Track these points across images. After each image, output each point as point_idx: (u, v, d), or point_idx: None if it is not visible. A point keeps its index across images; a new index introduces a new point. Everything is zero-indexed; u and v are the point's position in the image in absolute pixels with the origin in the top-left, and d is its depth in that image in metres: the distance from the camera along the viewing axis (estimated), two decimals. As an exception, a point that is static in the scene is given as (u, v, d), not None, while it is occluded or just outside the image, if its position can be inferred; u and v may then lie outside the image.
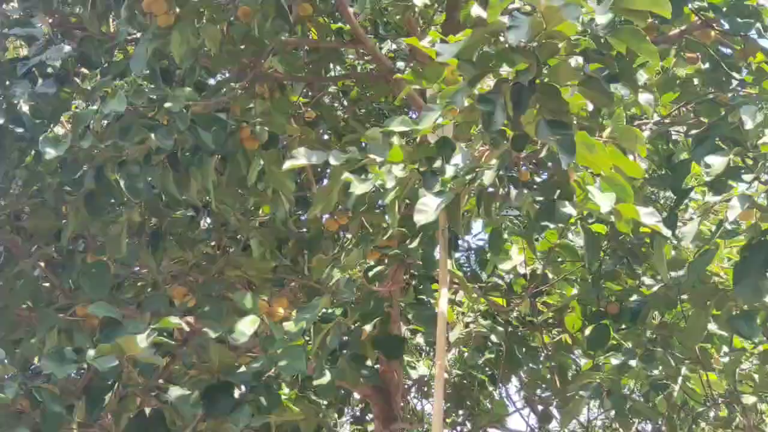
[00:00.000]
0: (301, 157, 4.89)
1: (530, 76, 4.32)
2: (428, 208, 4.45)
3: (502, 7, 4.29)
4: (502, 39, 4.38)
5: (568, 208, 4.78)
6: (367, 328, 6.35)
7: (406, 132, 4.81)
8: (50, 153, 5.74)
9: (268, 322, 5.65)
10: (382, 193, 4.77)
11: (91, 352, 5.14)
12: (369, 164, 4.77)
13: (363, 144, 7.82)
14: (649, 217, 4.59)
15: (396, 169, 4.67)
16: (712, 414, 8.03)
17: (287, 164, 4.95)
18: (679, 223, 6.25)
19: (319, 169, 9.02)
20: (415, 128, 4.71)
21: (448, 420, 10.72)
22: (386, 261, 6.23)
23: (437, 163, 4.65)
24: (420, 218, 4.43)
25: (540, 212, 4.92)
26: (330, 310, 5.96)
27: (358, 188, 4.64)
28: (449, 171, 4.54)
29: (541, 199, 4.87)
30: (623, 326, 7.18)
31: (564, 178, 4.62)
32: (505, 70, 4.42)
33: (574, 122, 4.52)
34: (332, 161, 4.81)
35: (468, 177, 4.54)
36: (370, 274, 6.28)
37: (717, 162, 5.60)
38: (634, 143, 4.71)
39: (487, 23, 4.34)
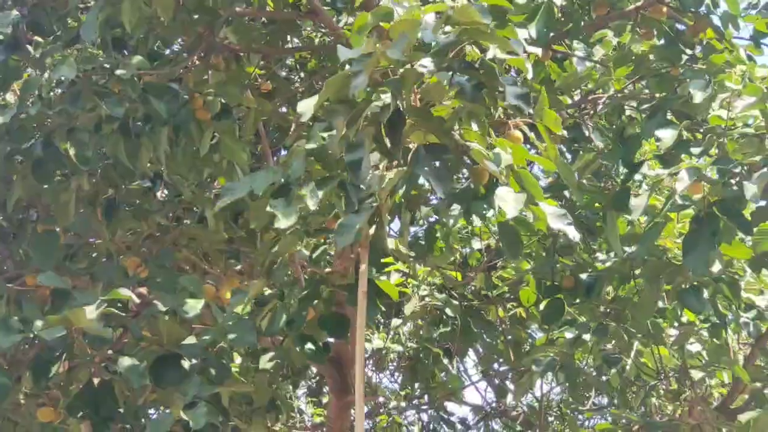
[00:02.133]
0: (228, 193, 4.87)
1: (388, 112, 4.36)
2: (347, 228, 4.47)
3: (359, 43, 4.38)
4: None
5: (480, 208, 4.77)
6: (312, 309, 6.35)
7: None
8: (-3, 119, 5.69)
9: (213, 308, 5.65)
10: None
11: (38, 323, 5.10)
12: (292, 184, 4.76)
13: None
14: (557, 220, 4.53)
15: (318, 191, 4.67)
16: (663, 388, 8.07)
17: (218, 205, 4.96)
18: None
19: (274, 140, 8.99)
20: (323, 144, 4.73)
21: (403, 393, 10.76)
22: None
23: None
24: (341, 240, 4.45)
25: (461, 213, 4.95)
26: (270, 292, 5.95)
27: (283, 222, 4.62)
28: (361, 190, 4.55)
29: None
30: (577, 300, 7.19)
31: (477, 179, 4.60)
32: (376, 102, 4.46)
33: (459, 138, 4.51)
34: (255, 191, 4.78)
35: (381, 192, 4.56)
36: (315, 255, 6.29)
37: (667, 135, 5.63)
38: (557, 125, 4.69)
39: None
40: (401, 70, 4.35)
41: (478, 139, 4.41)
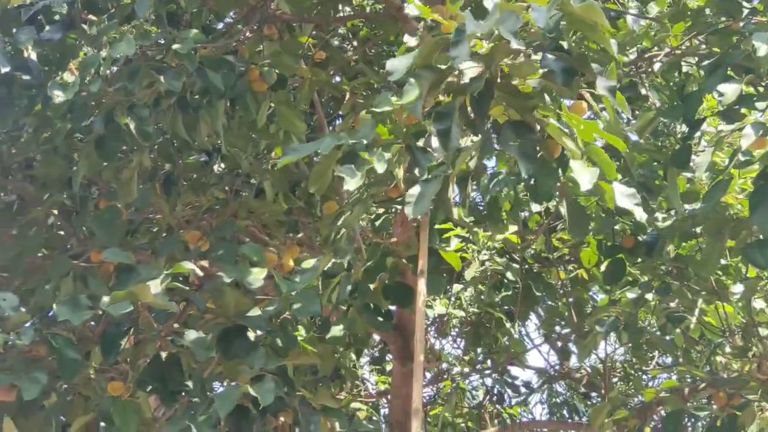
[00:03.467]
0: (291, 153, 4.85)
1: (480, 84, 4.29)
2: (419, 199, 4.45)
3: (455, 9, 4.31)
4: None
5: (549, 184, 4.73)
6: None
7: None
8: (59, 96, 5.73)
9: (276, 276, 5.65)
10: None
11: (105, 299, 5.14)
12: (359, 150, 4.73)
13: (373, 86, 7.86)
14: (626, 200, 4.52)
15: (386, 153, 4.64)
16: (728, 345, 8.00)
17: (280, 162, 4.93)
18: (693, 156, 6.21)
19: (330, 111, 8.99)
20: (396, 106, 4.69)
21: (466, 358, 10.76)
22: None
23: (426, 138, 4.64)
24: (415, 210, 4.43)
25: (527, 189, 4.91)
26: (337, 262, 5.95)
27: (351, 183, 4.60)
28: (429, 161, 4.52)
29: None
30: (639, 260, 7.15)
31: (549, 154, 4.56)
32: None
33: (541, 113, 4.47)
34: (321, 151, 4.77)
35: (454, 162, 4.52)
36: (377, 224, 6.28)
37: (729, 90, 5.53)
38: (624, 106, 4.65)
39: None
40: (491, 45, 4.31)
41: (550, 113, 4.37)
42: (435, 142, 4.54)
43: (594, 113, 4.87)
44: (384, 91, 4.89)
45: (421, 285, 4.77)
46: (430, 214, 4.82)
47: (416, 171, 4.65)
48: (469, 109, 4.42)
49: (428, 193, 4.43)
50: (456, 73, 4.37)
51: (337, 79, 8.76)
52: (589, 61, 4.42)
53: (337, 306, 6.14)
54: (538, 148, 4.49)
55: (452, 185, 4.65)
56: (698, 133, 6.87)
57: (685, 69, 7.22)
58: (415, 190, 4.47)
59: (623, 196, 4.52)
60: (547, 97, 4.39)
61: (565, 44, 4.48)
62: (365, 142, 4.66)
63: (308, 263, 5.61)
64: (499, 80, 4.39)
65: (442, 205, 4.73)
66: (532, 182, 4.82)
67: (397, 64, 4.50)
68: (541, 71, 4.36)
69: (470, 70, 4.29)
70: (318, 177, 5.05)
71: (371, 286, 6.09)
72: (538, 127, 4.42)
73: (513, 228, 7.61)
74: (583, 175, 4.36)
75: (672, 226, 6.80)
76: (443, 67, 4.40)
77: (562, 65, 4.33)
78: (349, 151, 4.71)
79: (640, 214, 4.44)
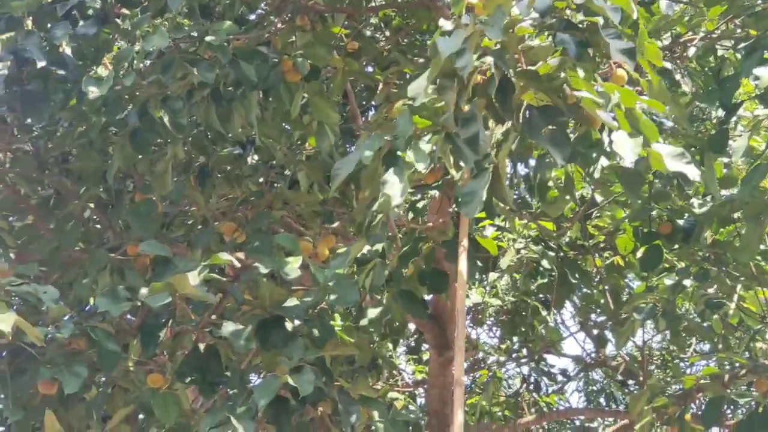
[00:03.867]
0: (338, 172, 4.84)
1: (495, 83, 4.30)
2: (472, 197, 4.42)
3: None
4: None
5: (598, 154, 4.70)
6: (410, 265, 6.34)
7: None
8: (94, 92, 5.75)
9: (311, 265, 5.65)
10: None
11: (143, 291, 5.16)
12: (398, 148, 4.71)
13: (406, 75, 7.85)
14: (674, 160, 4.39)
15: (424, 145, 4.60)
16: (768, 331, 7.96)
17: (333, 185, 4.93)
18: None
19: (364, 102, 8.98)
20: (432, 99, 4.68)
21: (503, 347, 10.75)
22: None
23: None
24: (469, 211, 4.40)
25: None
26: (372, 248, 5.93)
27: (397, 198, 4.55)
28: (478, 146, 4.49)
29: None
30: (676, 246, 7.11)
31: (590, 126, 4.53)
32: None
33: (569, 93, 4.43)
34: (364, 161, 4.74)
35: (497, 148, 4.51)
36: (413, 210, 6.26)
37: (766, 74, 5.48)
38: (659, 58, 4.61)
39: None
40: (502, 39, 4.30)
41: (585, 86, 4.33)
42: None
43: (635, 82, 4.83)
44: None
45: (462, 259, 4.73)
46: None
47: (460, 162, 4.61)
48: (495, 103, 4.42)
49: (480, 190, 4.40)
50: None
51: (370, 69, 8.74)
52: (598, 29, 4.39)
53: (371, 293, 6.13)
54: (577, 123, 4.47)
55: (503, 174, 4.61)
56: (734, 118, 6.83)
57: (720, 53, 7.15)
58: (469, 188, 4.45)
59: (672, 157, 4.40)
60: (580, 71, 4.36)
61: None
62: (405, 136, 4.63)
63: (341, 250, 5.60)
64: (520, 68, 4.38)
65: (497, 194, 4.70)
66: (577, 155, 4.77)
67: (416, 87, 4.54)
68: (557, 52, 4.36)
69: (468, 69, 4.28)
70: (368, 180, 5.04)
71: (405, 272, 6.07)
72: (569, 104, 4.39)
73: (567, 204, 7.53)
74: (626, 146, 4.29)
75: (709, 212, 6.77)
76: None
77: (572, 38, 4.33)
78: (391, 153, 4.69)
79: (693, 173, 4.34)
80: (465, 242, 4.79)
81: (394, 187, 4.52)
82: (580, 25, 4.47)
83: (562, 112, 4.39)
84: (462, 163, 4.56)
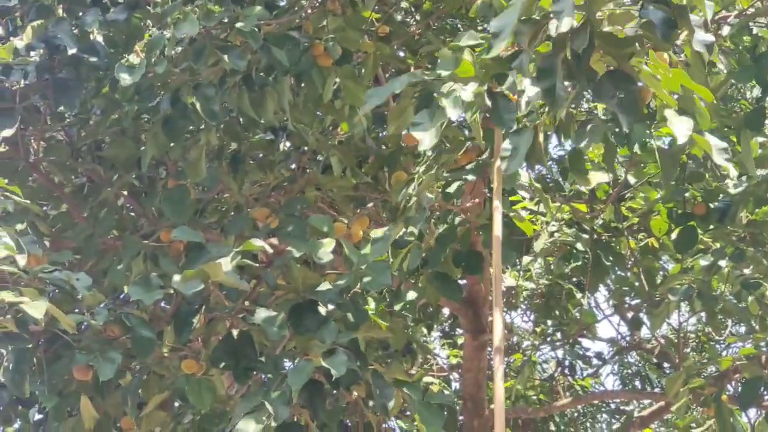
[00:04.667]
0: (371, 100, 4.79)
1: (585, 39, 4.18)
2: (514, 152, 4.36)
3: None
4: None
5: (643, 132, 4.65)
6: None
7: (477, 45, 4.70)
8: (126, 80, 5.76)
9: (345, 245, 5.64)
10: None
11: (176, 278, 5.18)
12: (435, 89, 4.64)
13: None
14: (719, 154, 4.39)
15: (465, 93, 4.53)
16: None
17: (363, 110, 4.89)
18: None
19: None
20: (485, 44, 4.60)
21: (537, 330, 10.73)
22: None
23: (509, 81, 4.51)
24: (511, 165, 4.35)
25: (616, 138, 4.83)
26: (408, 231, 5.92)
27: (425, 143, 4.48)
28: (523, 105, 4.40)
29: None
30: (711, 226, 7.06)
31: (640, 102, 4.47)
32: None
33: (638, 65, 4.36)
34: (396, 89, 4.71)
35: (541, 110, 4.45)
36: (448, 190, 6.22)
37: (805, 50, 5.44)
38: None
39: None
40: None
41: (642, 60, 4.28)
42: (527, 88, 4.41)
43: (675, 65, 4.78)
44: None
45: (496, 238, 4.67)
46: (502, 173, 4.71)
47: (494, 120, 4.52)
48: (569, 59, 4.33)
49: (522, 146, 4.35)
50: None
51: (401, 53, 8.71)
52: (688, 13, 4.31)
53: (407, 277, 6.12)
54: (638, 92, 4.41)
55: (541, 135, 4.55)
56: (768, 96, 6.77)
57: (755, 31, 7.08)
58: (508, 144, 4.39)
59: (718, 150, 4.39)
60: (637, 45, 4.30)
61: None
62: (444, 73, 4.55)
63: (378, 232, 5.58)
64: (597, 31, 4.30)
65: (534, 155, 4.62)
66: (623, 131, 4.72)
67: (501, 24, 4.38)
68: (638, 20, 4.26)
69: (569, 19, 4.19)
70: (397, 115, 5.01)
71: (442, 255, 6.05)
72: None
73: (603, 177, 7.47)
74: (679, 126, 4.26)
75: (745, 192, 6.72)
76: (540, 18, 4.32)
77: (661, 16, 4.22)
78: (426, 94, 4.63)
79: (733, 172, 4.33)
80: (499, 231, 4.72)
81: (424, 129, 4.47)
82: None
83: (632, 79, 4.32)
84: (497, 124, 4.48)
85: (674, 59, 4.60)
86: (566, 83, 4.38)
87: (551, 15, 4.19)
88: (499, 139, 4.70)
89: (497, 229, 4.57)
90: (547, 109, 4.44)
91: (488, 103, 4.54)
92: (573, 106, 4.67)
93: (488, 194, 6.31)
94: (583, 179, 6.59)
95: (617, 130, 5.16)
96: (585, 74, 4.31)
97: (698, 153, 4.40)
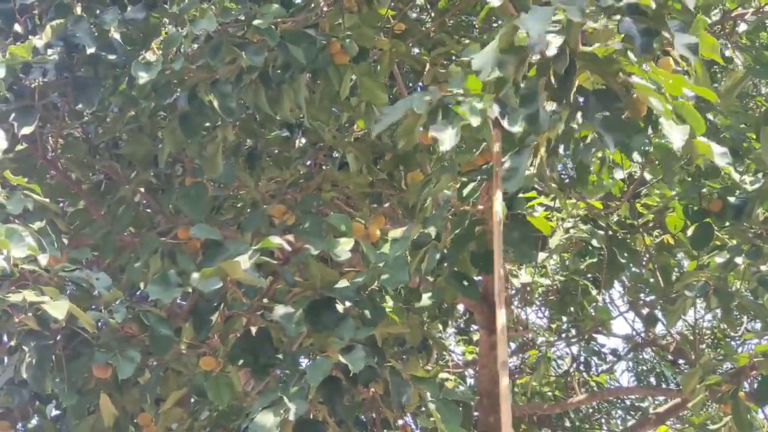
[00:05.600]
0: (382, 119, 4.83)
1: (564, 62, 4.26)
2: (514, 172, 4.45)
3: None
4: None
5: (640, 141, 4.68)
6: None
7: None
8: (143, 77, 5.78)
9: (363, 245, 5.66)
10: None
11: (195, 275, 5.19)
12: (450, 102, 4.69)
13: (453, 57, 7.83)
14: (720, 158, 4.44)
15: (477, 103, 4.58)
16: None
17: (376, 129, 4.92)
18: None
19: (410, 84, 8.96)
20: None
21: (553, 326, 10.73)
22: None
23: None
24: (510, 186, 4.46)
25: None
26: (425, 231, 5.93)
27: (446, 142, 4.56)
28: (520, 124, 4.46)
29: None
30: (727, 223, 7.05)
31: (635, 113, 4.50)
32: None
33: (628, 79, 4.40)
34: (415, 108, 4.74)
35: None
36: (464, 191, 6.24)
37: (820, 48, 5.44)
38: (716, 52, 4.59)
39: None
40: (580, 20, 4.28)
41: (635, 70, 4.31)
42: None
43: (682, 69, 4.80)
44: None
45: (498, 236, 4.69)
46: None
47: (505, 124, 4.56)
48: (553, 81, 4.39)
49: (521, 166, 4.42)
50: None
51: (416, 51, 8.71)
52: (665, 20, 4.34)
53: (424, 276, 6.13)
54: (624, 110, 4.44)
55: (541, 151, 4.61)
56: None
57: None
58: (510, 163, 4.45)
59: (717, 154, 4.44)
60: (631, 55, 4.33)
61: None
62: (458, 91, 4.63)
63: (396, 232, 5.60)
64: (579, 48, 4.35)
65: (536, 173, 4.70)
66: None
67: (482, 62, 4.48)
68: (619, 35, 4.31)
69: (541, 47, 4.26)
70: (406, 132, 5.03)
71: (459, 255, 6.06)
72: (624, 90, 4.37)
73: (602, 192, 7.52)
74: (675, 133, 4.29)
75: (762, 188, 6.70)
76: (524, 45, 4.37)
77: (639, 27, 4.28)
78: (440, 106, 4.68)
79: (735, 176, 4.37)
80: (499, 227, 4.75)
81: (444, 132, 4.52)
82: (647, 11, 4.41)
83: (618, 97, 4.37)
84: (508, 127, 4.52)
85: (682, 65, 4.62)
86: (554, 105, 4.46)
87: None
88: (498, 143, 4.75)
89: (496, 233, 4.60)
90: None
91: (496, 110, 4.58)
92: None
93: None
94: (587, 191, 6.61)
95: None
96: (570, 95, 4.37)
97: (699, 161, 4.42)
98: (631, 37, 4.28)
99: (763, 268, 6.98)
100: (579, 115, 4.50)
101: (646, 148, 5.16)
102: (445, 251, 5.87)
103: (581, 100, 4.48)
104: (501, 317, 4.52)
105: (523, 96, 4.39)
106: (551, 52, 4.25)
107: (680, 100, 4.37)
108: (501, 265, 4.69)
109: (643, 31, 4.29)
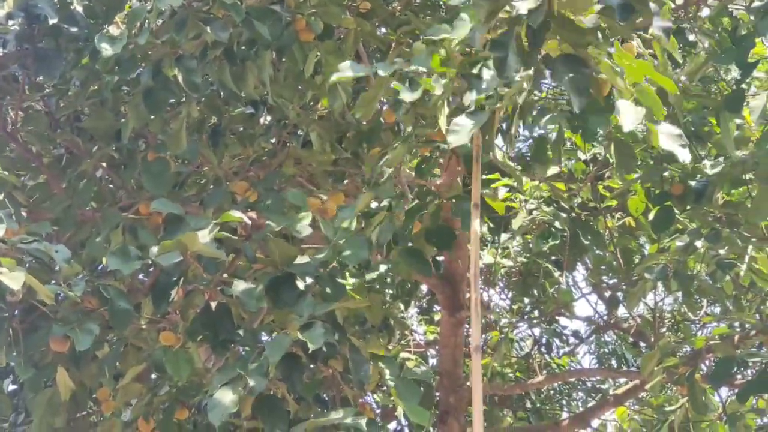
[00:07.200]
0: (346, 70, 4.84)
1: (540, 16, 4.26)
2: (462, 128, 4.43)
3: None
4: None
5: (599, 122, 4.70)
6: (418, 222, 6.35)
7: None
8: (107, 50, 5.75)
9: (320, 219, 5.65)
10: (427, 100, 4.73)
11: (154, 249, 5.17)
12: (415, 75, 4.71)
13: (419, 36, 7.81)
14: (671, 141, 4.41)
15: (442, 79, 4.61)
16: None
17: (333, 77, 4.91)
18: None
19: (374, 61, 8.93)
20: (449, 38, 4.66)
21: (514, 307, 10.76)
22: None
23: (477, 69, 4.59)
24: (453, 139, 4.42)
25: (572, 127, 4.89)
26: (379, 204, 5.94)
27: (407, 96, 4.58)
28: (484, 87, 4.47)
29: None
30: (688, 207, 7.08)
31: (597, 92, 4.52)
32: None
33: (595, 51, 4.41)
34: (380, 72, 4.75)
35: (503, 94, 4.48)
36: (424, 166, 6.25)
37: (783, 33, 5.46)
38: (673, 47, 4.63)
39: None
40: None
41: (602, 51, 4.33)
42: (487, 74, 4.49)
43: (642, 56, 4.81)
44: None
45: (475, 220, 4.71)
46: (481, 149, 4.77)
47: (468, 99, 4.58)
48: (524, 40, 4.39)
49: (473, 124, 4.41)
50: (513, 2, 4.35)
51: (383, 30, 8.69)
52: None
53: (378, 248, 6.13)
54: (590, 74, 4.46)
55: (496, 121, 4.61)
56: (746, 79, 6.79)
57: (734, 13, 7.11)
58: (461, 120, 4.45)
59: (668, 136, 4.42)
60: (599, 35, 4.35)
61: None
62: (422, 69, 4.64)
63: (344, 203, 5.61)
64: (555, 13, 4.35)
65: (485, 142, 4.71)
66: (580, 120, 4.78)
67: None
68: (598, 7, 4.32)
69: (528, 1, 4.26)
70: (366, 102, 5.04)
71: (411, 228, 6.08)
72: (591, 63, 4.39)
73: (555, 169, 7.51)
74: (628, 115, 4.30)
75: (722, 173, 6.73)
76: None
77: (620, 1, 4.29)
78: (405, 78, 4.69)
79: (684, 156, 4.37)
80: (477, 197, 4.77)
81: (405, 92, 4.54)
82: None
83: (586, 63, 4.38)
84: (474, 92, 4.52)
85: (644, 52, 4.64)
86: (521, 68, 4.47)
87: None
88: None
89: (474, 215, 4.63)
90: (506, 92, 4.48)
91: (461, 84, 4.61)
92: (532, 92, 4.72)
93: (460, 170, 6.33)
94: (542, 169, 6.62)
95: (576, 123, 5.20)
96: (539, 54, 4.38)
97: (655, 143, 4.43)
98: (611, 9, 4.28)
99: (722, 251, 7.02)
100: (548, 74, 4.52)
101: (611, 128, 5.15)
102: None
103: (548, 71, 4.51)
104: (476, 302, 4.54)
105: (495, 42, 4.39)
106: (528, 5, 4.25)
107: (642, 85, 4.39)
108: (477, 248, 4.71)
109: (623, 6, 4.30)
